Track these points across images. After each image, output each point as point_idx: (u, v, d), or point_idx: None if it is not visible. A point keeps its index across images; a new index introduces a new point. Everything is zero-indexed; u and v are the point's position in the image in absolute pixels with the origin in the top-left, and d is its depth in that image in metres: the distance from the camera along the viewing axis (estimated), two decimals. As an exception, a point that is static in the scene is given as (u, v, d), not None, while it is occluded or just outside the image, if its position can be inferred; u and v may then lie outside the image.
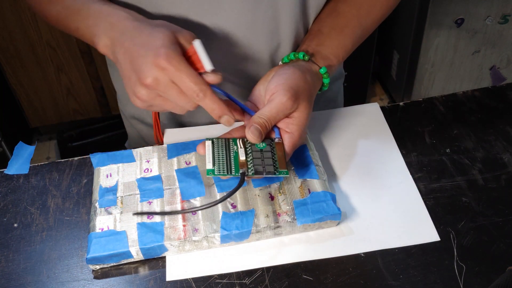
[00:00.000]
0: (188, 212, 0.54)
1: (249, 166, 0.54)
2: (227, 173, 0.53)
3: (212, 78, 0.50)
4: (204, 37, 0.61)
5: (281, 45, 0.66)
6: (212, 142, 0.56)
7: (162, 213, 0.55)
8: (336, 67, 0.64)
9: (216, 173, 0.53)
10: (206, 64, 0.50)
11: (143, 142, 0.81)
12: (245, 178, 0.53)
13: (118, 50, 0.51)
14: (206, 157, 0.54)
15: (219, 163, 0.54)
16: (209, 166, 0.54)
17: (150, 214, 0.55)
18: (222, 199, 0.53)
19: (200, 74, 0.50)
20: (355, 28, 0.65)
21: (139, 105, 0.51)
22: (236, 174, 0.53)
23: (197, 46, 0.50)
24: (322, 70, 0.60)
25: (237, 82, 0.70)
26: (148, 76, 0.48)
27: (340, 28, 0.64)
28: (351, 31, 0.64)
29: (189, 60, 0.50)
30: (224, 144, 0.56)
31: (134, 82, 0.49)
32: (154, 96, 0.50)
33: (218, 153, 0.55)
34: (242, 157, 0.54)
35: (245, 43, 0.64)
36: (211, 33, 0.62)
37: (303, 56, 0.60)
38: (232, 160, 0.54)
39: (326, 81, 0.61)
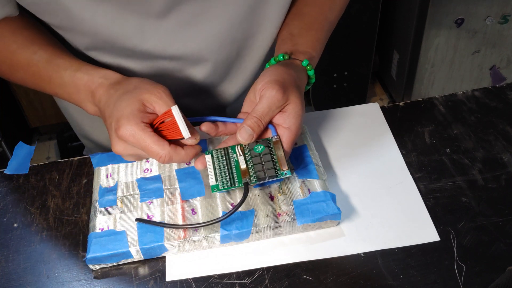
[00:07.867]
0: (190, 227, 0.54)
1: (251, 174, 0.54)
2: (231, 186, 0.53)
3: (190, 142, 0.53)
4: (211, 22, 0.61)
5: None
6: (212, 155, 0.56)
7: (163, 225, 0.55)
8: (317, 59, 0.65)
9: (220, 189, 0.53)
10: (184, 132, 0.51)
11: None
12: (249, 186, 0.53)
13: (103, 117, 0.55)
14: (208, 172, 0.54)
15: (221, 177, 0.54)
16: (212, 182, 0.54)
17: (152, 223, 0.55)
18: (227, 215, 0.52)
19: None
20: (323, 23, 0.67)
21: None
22: (240, 185, 0.53)
23: (175, 114, 0.51)
24: (305, 63, 0.61)
25: (238, 79, 0.70)
26: (115, 145, 0.53)
27: (309, 26, 0.66)
28: (320, 26, 0.66)
29: (164, 124, 0.52)
30: (223, 154, 0.56)
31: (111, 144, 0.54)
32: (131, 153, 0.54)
33: (219, 165, 0.55)
34: (243, 165, 0.54)
35: (250, 31, 0.65)
36: (219, 18, 0.62)
37: (283, 57, 0.61)
38: (234, 170, 0.54)
39: (310, 73, 0.61)
